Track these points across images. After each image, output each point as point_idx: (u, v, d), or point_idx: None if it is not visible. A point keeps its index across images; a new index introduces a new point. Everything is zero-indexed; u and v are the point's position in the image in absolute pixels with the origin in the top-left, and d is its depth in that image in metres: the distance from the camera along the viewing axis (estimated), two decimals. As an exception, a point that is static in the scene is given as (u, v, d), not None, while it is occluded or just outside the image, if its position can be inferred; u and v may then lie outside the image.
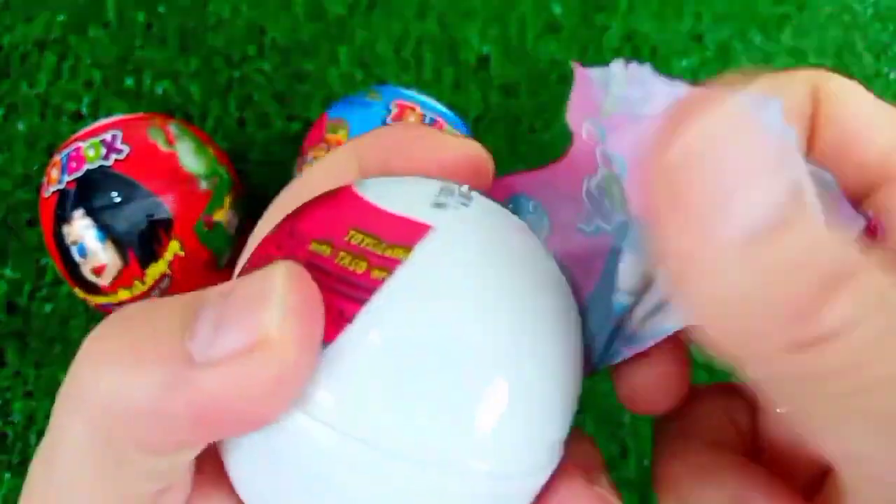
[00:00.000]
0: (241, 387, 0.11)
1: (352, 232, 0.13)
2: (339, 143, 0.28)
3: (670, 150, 0.10)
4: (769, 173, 0.10)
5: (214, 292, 0.11)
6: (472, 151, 0.16)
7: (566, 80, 0.38)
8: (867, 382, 0.10)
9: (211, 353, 0.11)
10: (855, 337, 0.10)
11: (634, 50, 0.38)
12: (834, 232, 0.10)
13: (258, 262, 0.13)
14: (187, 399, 0.11)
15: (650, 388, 0.17)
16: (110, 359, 0.11)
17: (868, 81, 0.39)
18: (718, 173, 0.10)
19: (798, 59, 0.39)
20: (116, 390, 0.11)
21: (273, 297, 0.11)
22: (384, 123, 0.28)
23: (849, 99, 0.14)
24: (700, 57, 0.39)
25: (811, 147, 0.15)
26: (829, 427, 0.11)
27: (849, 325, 0.10)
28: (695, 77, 0.38)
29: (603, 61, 0.42)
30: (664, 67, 0.38)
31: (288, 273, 0.11)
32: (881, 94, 0.44)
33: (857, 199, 0.14)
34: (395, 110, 0.29)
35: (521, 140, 0.37)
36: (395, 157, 0.15)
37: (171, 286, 0.28)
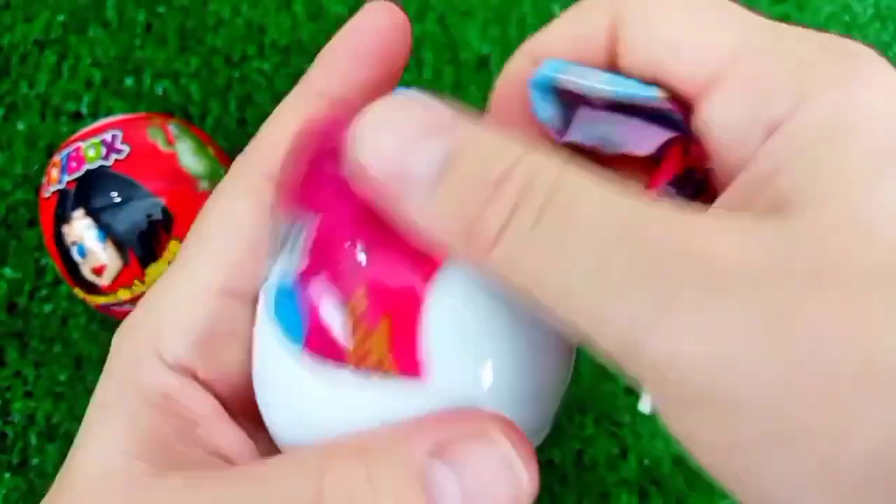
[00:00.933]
0: None
1: None
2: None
3: (352, 141, 0.13)
4: (419, 134, 0.13)
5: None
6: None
7: (566, 80, 0.38)
8: (530, 277, 0.12)
9: None
10: (505, 239, 0.12)
11: (634, 50, 0.38)
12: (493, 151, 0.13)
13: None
14: None
15: None
16: None
17: (868, 81, 0.39)
18: (382, 145, 0.13)
19: (798, 59, 0.39)
20: None
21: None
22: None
23: (648, 20, 0.14)
24: (700, 57, 0.39)
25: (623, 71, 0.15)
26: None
27: (500, 230, 0.12)
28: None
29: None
30: (664, 67, 0.38)
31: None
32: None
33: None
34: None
35: (521, 140, 0.37)
36: None
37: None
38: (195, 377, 0.16)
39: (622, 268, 0.11)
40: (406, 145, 0.13)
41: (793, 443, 0.11)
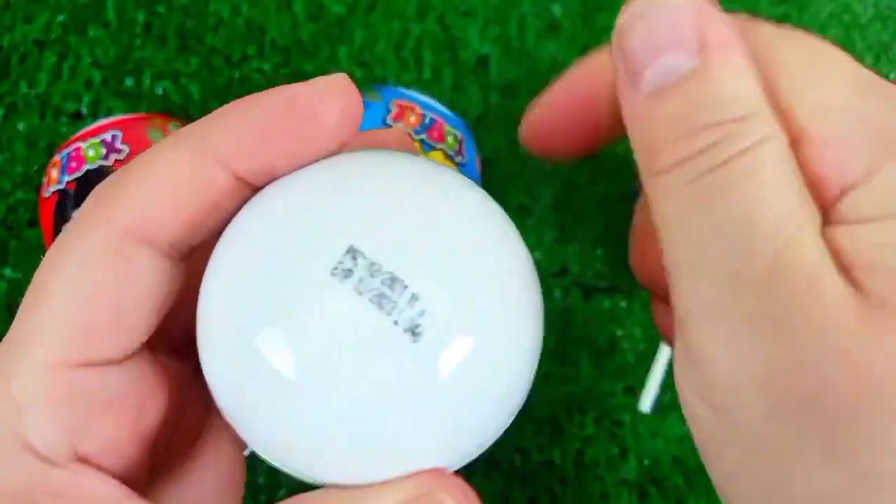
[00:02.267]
0: None
1: None
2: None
3: (622, 15, 0.14)
4: (680, 40, 0.13)
5: None
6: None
7: (566, 80, 0.38)
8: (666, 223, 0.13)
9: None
10: (673, 174, 0.13)
11: (634, 50, 0.38)
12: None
13: None
14: None
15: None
16: None
17: (868, 81, 0.39)
18: (646, 34, 0.13)
19: (798, 59, 0.39)
20: None
21: None
22: (384, 123, 0.28)
23: (780, 54, 0.15)
24: (700, 57, 0.39)
25: None
26: (673, 227, 0.13)
27: (675, 164, 0.13)
28: (695, 77, 0.38)
29: (603, 61, 0.41)
30: (664, 67, 0.38)
31: None
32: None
33: None
34: (394, 110, 0.29)
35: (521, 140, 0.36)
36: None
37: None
38: (84, 460, 0.14)
39: (742, 313, 0.12)
40: (660, 45, 0.13)
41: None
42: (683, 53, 0.13)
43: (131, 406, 0.15)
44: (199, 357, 0.14)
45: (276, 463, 0.14)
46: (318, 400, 0.13)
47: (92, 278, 0.14)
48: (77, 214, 0.14)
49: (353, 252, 0.13)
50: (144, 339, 0.15)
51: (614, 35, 0.14)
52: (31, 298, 0.14)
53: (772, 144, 0.13)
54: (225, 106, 0.14)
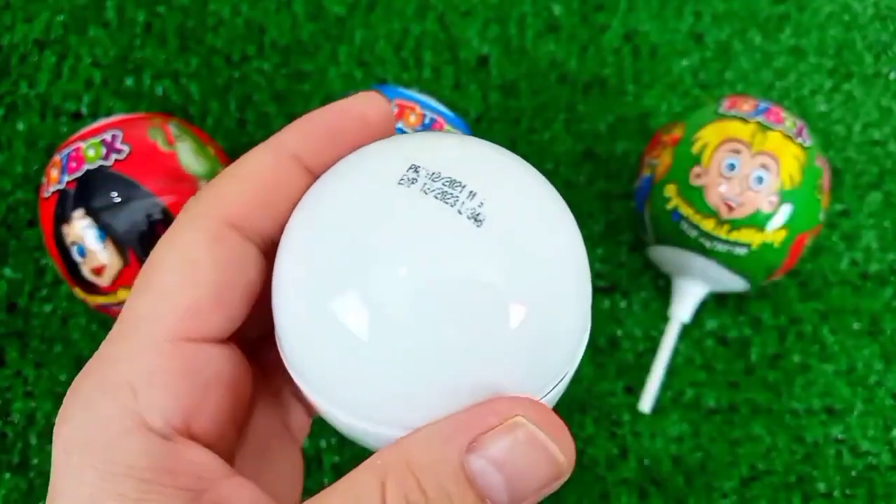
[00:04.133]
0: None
1: None
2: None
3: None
4: None
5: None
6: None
7: (566, 80, 0.38)
8: None
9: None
10: None
11: (634, 50, 0.38)
12: None
13: None
14: None
15: None
16: None
17: (868, 81, 0.39)
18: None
19: (798, 58, 0.39)
20: None
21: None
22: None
23: None
24: (700, 57, 0.39)
25: None
26: None
27: None
28: (695, 77, 0.38)
29: (603, 61, 0.42)
30: (664, 67, 0.38)
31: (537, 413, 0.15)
32: (881, 95, 0.44)
33: None
34: (395, 110, 0.29)
35: (521, 140, 0.36)
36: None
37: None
38: (189, 435, 0.15)
39: None
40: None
41: None
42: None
43: (231, 386, 0.16)
44: (275, 323, 0.16)
45: (346, 421, 0.15)
46: (395, 332, 0.14)
47: (195, 262, 0.15)
48: (177, 215, 0.16)
49: (414, 168, 0.15)
50: (240, 321, 0.16)
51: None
52: (139, 287, 0.16)
53: None
54: (295, 120, 0.17)
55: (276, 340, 0.16)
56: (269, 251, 0.17)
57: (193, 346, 0.15)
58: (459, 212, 0.14)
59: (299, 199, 0.16)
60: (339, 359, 0.15)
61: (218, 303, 0.16)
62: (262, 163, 0.16)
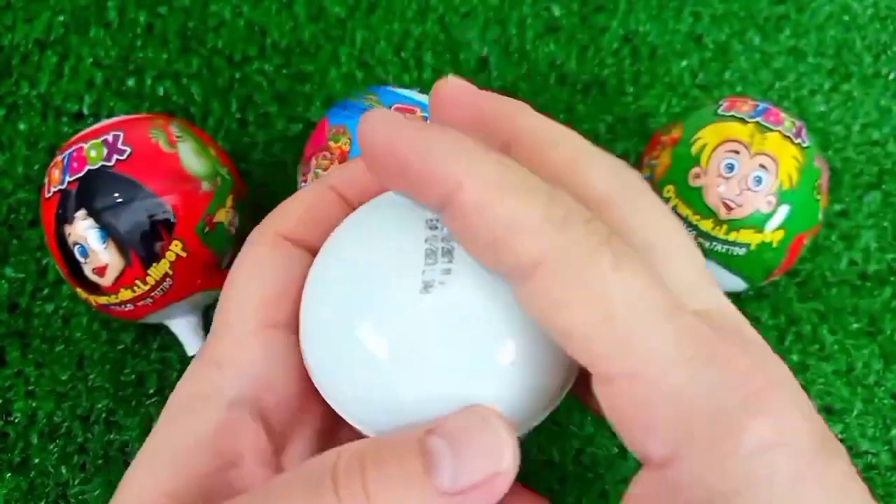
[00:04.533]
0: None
1: None
2: (341, 152, 0.28)
3: None
4: None
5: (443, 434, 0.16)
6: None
7: (566, 81, 0.38)
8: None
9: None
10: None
11: (633, 50, 0.39)
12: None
13: None
14: None
15: None
16: None
17: (867, 81, 0.39)
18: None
19: (797, 59, 0.39)
20: None
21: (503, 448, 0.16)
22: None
23: (481, 199, 0.16)
24: (699, 57, 0.39)
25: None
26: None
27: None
28: (694, 77, 0.38)
29: (602, 61, 0.42)
30: (664, 68, 0.38)
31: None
32: (880, 95, 0.44)
33: None
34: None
35: (521, 140, 0.37)
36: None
37: (172, 286, 0.28)
38: (253, 410, 0.19)
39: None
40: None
41: None
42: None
43: (292, 371, 0.20)
44: (301, 342, 0.19)
45: (359, 425, 0.18)
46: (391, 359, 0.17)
47: (262, 264, 0.20)
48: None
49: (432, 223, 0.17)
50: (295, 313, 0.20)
51: None
52: (225, 291, 0.20)
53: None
54: (342, 163, 0.23)
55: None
56: (315, 254, 0.20)
57: (269, 331, 0.19)
58: (423, 272, 0.17)
59: (333, 217, 0.20)
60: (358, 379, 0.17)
61: (282, 295, 0.20)
62: (311, 191, 0.21)
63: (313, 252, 0.20)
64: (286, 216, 0.21)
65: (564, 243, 0.14)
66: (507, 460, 0.16)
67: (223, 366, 0.19)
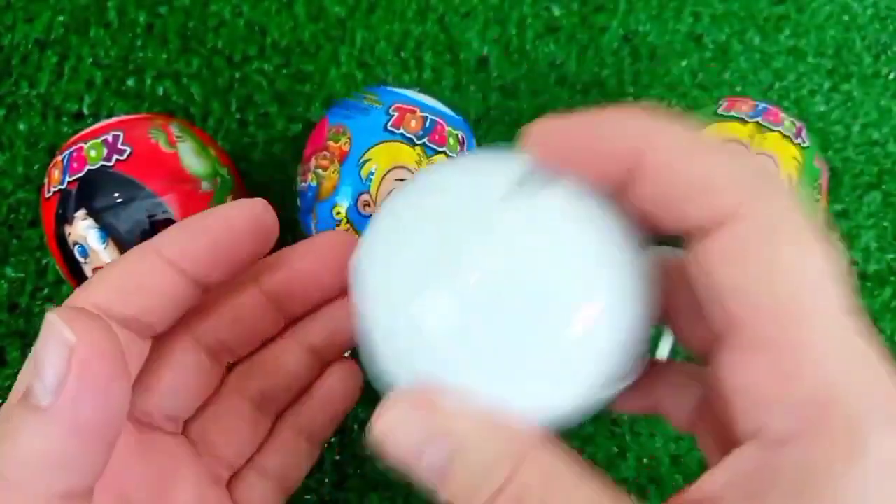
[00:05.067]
0: None
1: None
2: (341, 152, 0.28)
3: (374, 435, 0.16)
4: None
5: None
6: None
7: (566, 81, 0.38)
8: None
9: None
10: None
11: (633, 50, 0.39)
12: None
13: None
14: None
15: None
16: None
17: (867, 81, 0.39)
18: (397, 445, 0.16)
19: (797, 59, 0.39)
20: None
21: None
22: (385, 131, 0.28)
23: (672, 160, 0.16)
24: (699, 57, 0.39)
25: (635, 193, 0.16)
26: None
27: None
28: (694, 78, 0.38)
29: (602, 62, 0.42)
30: (664, 68, 0.38)
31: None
32: (880, 95, 0.44)
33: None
34: (395, 115, 0.29)
35: (521, 140, 0.37)
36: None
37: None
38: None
39: None
40: (414, 449, 0.16)
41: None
42: (439, 443, 0.16)
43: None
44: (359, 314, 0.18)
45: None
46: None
47: (128, 262, 0.20)
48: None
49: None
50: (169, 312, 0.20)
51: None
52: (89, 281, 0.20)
53: None
54: (174, 224, 0.22)
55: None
56: (200, 285, 0.20)
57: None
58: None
59: (162, 294, 0.20)
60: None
61: (139, 290, 0.20)
62: (131, 267, 0.20)
63: (126, 324, 0.19)
64: (99, 289, 0.19)
65: (758, 199, 0.15)
66: (66, 332, 0.15)
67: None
